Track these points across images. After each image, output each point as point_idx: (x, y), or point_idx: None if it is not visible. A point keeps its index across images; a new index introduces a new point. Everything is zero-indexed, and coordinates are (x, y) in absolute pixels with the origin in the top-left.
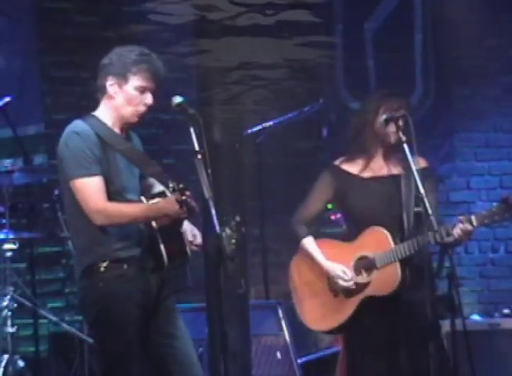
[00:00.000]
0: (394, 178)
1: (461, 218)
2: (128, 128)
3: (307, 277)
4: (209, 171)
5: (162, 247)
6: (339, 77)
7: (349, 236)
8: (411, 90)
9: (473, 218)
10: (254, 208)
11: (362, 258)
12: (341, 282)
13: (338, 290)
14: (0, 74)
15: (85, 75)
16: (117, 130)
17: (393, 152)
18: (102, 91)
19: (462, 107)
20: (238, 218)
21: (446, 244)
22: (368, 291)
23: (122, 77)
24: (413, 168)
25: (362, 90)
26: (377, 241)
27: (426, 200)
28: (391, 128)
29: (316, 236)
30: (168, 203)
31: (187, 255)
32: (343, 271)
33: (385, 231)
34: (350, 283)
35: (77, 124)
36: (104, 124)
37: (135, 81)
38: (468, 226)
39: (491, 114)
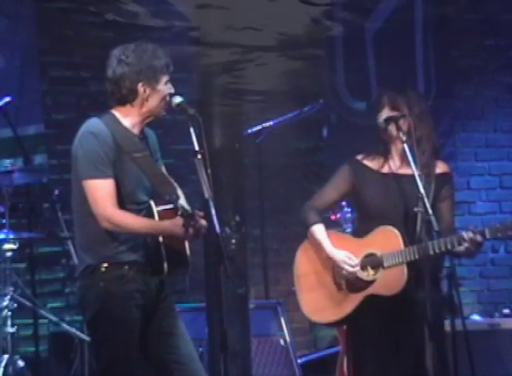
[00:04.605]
0: (411, 179)
1: (473, 229)
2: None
3: (312, 266)
4: (209, 171)
5: (163, 254)
6: (339, 77)
7: (358, 231)
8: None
9: (486, 230)
10: (254, 208)
11: (369, 255)
12: (346, 267)
13: (342, 283)
14: (0, 74)
15: (85, 75)
16: (136, 131)
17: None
18: (132, 96)
19: (462, 107)
20: (238, 218)
21: (456, 254)
22: (372, 290)
23: (153, 80)
24: (413, 167)
25: (362, 90)
26: (387, 240)
27: (426, 200)
28: (392, 127)
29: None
30: (175, 226)
31: (188, 265)
32: (348, 256)
33: (397, 232)
34: (355, 269)
35: (95, 124)
36: (122, 126)
37: (164, 79)
38: (479, 238)
39: (491, 114)
